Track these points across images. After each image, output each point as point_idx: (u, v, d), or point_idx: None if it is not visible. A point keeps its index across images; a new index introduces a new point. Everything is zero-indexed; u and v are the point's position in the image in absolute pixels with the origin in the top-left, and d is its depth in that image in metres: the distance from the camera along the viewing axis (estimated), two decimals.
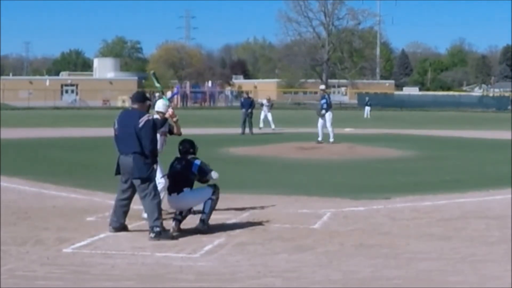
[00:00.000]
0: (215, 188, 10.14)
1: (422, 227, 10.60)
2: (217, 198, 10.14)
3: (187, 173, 10.03)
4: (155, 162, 9.75)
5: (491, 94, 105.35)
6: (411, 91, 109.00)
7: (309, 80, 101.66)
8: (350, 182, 16.54)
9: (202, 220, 10.05)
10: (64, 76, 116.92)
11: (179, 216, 10.17)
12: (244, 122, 33.31)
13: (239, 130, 32.77)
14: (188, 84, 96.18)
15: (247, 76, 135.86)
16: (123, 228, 9.94)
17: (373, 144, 26.75)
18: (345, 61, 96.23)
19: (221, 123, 41.64)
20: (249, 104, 33.79)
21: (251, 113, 33.54)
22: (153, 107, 10.71)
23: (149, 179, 9.60)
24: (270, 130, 35.15)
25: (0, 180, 15.32)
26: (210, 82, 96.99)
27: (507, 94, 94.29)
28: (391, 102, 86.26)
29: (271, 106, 38.41)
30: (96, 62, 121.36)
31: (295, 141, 26.37)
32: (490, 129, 40.55)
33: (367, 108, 59.78)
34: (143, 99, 10.02)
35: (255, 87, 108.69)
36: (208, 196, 10.08)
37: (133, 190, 9.83)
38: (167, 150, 11.23)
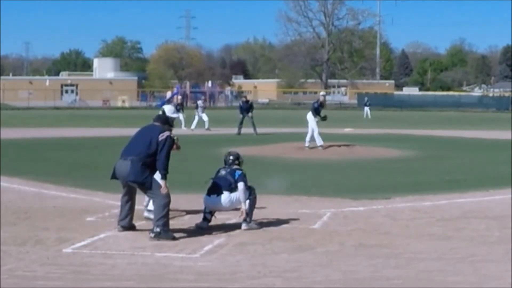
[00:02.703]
0: (252, 189, 10.47)
1: (422, 227, 10.60)
2: (255, 197, 10.46)
3: (229, 178, 10.37)
4: (156, 172, 9.88)
5: (491, 94, 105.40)
6: (411, 91, 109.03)
7: (309, 80, 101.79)
8: (350, 182, 16.54)
9: (245, 220, 10.20)
10: (64, 76, 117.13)
11: (209, 215, 10.33)
12: (241, 123, 33.31)
13: (241, 130, 32.77)
14: (188, 84, 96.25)
15: (247, 76, 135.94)
16: (131, 227, 10.00)
17: (373, 144, 26.75)
18: (345, 61, 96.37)
19: (221, 123, 41.64)
20: (248, 108, 33.82)
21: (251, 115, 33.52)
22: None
23: (145, 184, 9.69)
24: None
25: (0, 180, 15.31)
26: (210, 82, 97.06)
27: (507, 94, 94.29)
28: (391, 102, 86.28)
29: (203, 109, 38.51)
30: (96, 62, 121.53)
31: (295, 141, 26.36)
32: (490, 129, 40.56)
33: (366, 108, 59.81)
34: (165, 123, 10.20)
35: (255, 87, 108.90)
36: (247, 197, 10.35)
37: (132, 191, 9.94)
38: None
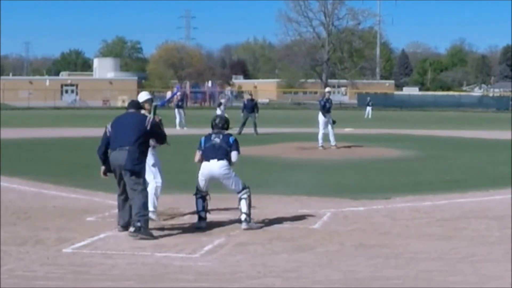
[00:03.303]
0: (247, 187, 10.49)
1: (422, 227, 10.60)
2: (249, 196, 10.44)
3: (225, 145, 10.51)
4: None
5: (491, 94, 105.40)
6: (411, 91, 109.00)
7: (309, 80, 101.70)
8: (350, 182, 16.54)
9: (245, 220, 10.18)
10: (64, 76, 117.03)
11: (203, 213, 10.35)
12: (244, 123, 33.17)
13: (238, 130, 32.65)
14: (188, 84, 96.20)
15: (247, 76, 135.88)
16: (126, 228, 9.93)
17: (373, 144, 26.76)
18: (345, 61, 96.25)
19: None
20: (253, 107, 33.59)
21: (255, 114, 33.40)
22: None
23: (140, 173, 9.76)
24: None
25: (0, 180, 15.31)
26: (210, 82, 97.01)
27: (507, 94, 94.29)
28: (391, 102, 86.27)
29: (182, 106, 38.78)
30: (96, 62, 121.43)
31: (295, 141, 26.38)
32: (490, 129, 40.56)
33: (369, 108, 59.76)
34: (138, 107, 10.48)
35: (255, 87, 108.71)
36: (239, 189, 10.42)
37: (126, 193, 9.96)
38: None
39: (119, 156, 9.75)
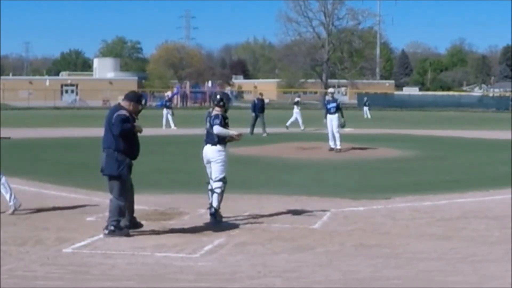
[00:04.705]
0: (225, 181, 10.42)
1: (422, 227, 10.60)
2: (223, 191, 10.38)
3: (210, 128, 10.43)
4: (130, 159, 9.67)
5: (491, 94, 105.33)
6: (411, 91, 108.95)
7: (309, 80, 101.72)
8: (350, 182, 16.53)
9: (212, 214, 10.16)
10: (64, 76, 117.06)
11: (213, 210, 10.32)
12: (254, 124, 32.79)
13: (241, 130, 32.45)
14: (188, 84, 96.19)
15: (247, 76, 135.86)
16: (134, 225, 9.87)
17: (373, 144, 26.74)
18: (345, 61, 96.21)
19: None
20: (262, 107, 33.21)
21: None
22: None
23: (119, 177, 9.52)
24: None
25: (1, 180, 15.27)
26: (210, 82, 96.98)
27: (507, 94, 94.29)
28: (391, 102, 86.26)
29: (171, 107, 39.09)
30: (96, 62, 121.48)
31: (295, 141, 26.38)
32: (490, 129, 40.55)
33: (365, 108, 59.76)
34: (132, 100, 9.86)
35: (255, 87, 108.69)
36: (216, 178, 10.34)
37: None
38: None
39: (102, 160, 9.66)
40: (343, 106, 26.51)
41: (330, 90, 26.30)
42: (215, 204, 10.32)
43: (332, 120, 24.02)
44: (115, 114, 9.51)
